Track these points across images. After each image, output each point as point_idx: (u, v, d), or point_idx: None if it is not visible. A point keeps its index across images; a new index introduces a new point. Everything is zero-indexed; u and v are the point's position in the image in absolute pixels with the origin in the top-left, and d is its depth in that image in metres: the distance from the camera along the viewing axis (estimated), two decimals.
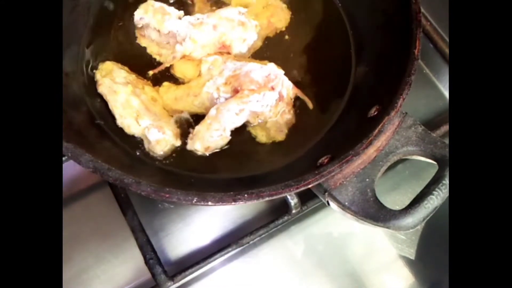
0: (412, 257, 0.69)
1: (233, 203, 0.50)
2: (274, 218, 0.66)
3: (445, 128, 0.71)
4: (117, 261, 0.65)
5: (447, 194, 0.54)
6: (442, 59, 0.80)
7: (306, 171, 0.53)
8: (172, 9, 0.69)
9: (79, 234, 0.65)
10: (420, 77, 0.81)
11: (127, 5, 0.72)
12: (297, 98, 0.68)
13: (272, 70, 0.65)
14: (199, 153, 0.63)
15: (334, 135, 0.65)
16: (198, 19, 0.69)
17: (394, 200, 0.70)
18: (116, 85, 0.63)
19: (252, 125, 0.66)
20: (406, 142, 0.58)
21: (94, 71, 0.66)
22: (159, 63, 0.69)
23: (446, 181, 0.54)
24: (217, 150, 0.63)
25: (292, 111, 0.67)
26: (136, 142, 0.63)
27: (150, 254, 0.60)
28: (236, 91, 0.64)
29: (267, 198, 0.51)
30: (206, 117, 0.63)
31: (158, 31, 0.68)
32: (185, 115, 0.66)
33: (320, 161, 0.59)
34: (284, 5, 0.75)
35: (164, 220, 0.67)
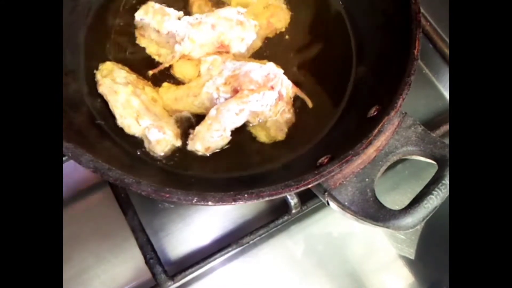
0: (412, 257, 0.69)
1: (233, 203, 0.50)
2: (274, 218, 0.66)
3: (445, 128, 0.71)
4: (117, 261, 0.65)
5: (447, 194, 0.54)
6: (441, 59, 0.80)
7: (306, 171, 0.53)
8: (171, 10, 0.69)
9: (79, 234, 0.65)
10: (419, 77, 0.81)
11: (127, 6, 0.72)
12: (296, 98, 0.68)
13: (271, 70, 0.65)
14: (200, 153, 0.63)
15: (334, 135, 0.66)
16: (197, 19, 0.69)
17: (394, 200, 0.71)
18: (116, 85, 0.63)
19: (252, 124, 0.66)
20: (405, 142, 0.58)
21: (95, 71, 0.66)
22: (159, 63, 0.69)
23: (446, 181, 0.54)
24: (217, 150, 0.63)
25: (292, 110, 0.67)
26: (136, 142, 0.63)
27: (150, 253, 0.60)
28: (235, 91, 0.64)
29: (267, 198, 0.51)
30: (206, 118, 0.63)
31: (158, 31, 0.68)
32: (187, 114, 0.66)
33: (320, 161, 0.59)
34: (284, 6, 0.75)
35: (164, 220, 0.67)
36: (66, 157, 0.55)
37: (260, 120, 0.65)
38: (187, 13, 0.71)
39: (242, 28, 0.69)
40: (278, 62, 0.67)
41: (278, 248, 0.68)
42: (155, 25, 0.68)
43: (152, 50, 0.70)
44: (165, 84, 0.67)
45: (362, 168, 0.56)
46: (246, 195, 0.50)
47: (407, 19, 0.62)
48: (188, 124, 0.65)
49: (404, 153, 0.58)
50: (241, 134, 0.65)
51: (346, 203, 0.55)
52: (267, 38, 0.73)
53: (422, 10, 0.63)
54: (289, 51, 0.72)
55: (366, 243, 0.70)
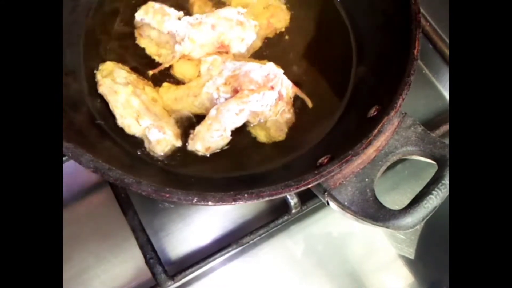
0: (412, 257, 0.69)
1: (233, 203, 0.50)
2: (274, 218, 0.66)
3: (444, 128, 0.71)
4: (117, 260, 0.65)
5: (447, 194, 0.54)
6: (441, 59, 0.81)
7: (306, 171, 0.53)
8: (172, 10, 0.69)
9: (79, 234, 0.66)
10: (419, 77, 0.81)
11: (127, 6, 0.72)
12: (296, 98, 0.68)
13: (271, 70, 0.65)
14: (200, 153, 0.63)
15: (334, 135, 0.66)
16: (197, 19, 0.69)
17: (394, 200, 0.71)
18: (116, 85, 0.63)
19: (252, 124, 0.66)
20: (405, 142, 0.58)
21: (95, 71, 0.66)
22: (159, 63, 0.69)
23: (446, 181, 0.54)
24: (218, 150, 0.63)
25: (292, 110, 0.67)
26: (136, 142, 0.63)
27: (151, 253, 0.60)
28: (235, 91, 0.64)
29: (267, 198, 0.51)
30: (206, 118, 0.63)
31: (158, 31, 0.68)
32: (188, 113, 0.66)
33: (320, 161, 0.59)
34: (284, 6, 0.75)
35: (164, 219, 0.68)
36: (66, 157, 0.55)
37: (260, 120, 0.65)
38: (187, 13, 0.71)
39: (242, 28, 0.69)
40: (278, 62, 0.67)
41: (278, 248, 0.68)
42: (155, 25, 0.68)
43: (152, 50, 0.70)
44: (165, 84, 0.67)
45: (362, 168, 0.56)
46: (246, 195, 0.50)
47: (407, 19, 0.62)
48: (189, 124, 0.65)
49: (404, 153, 0.58)
50: (241, 134, 0.65)
51: (346, 203, 0.55)
52: (267, 38, 0.73)
53: (422, 10, 0.63)
54: (289, 51, 0.72)
55: (366, 243, 0.70)
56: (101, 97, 0.64)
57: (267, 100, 0.63)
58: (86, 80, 0.66)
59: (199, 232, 0.68)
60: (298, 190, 0.52)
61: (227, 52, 0.69)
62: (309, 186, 0.53)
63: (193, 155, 0.63)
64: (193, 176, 0.62)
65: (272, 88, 0.64)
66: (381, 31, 0.69)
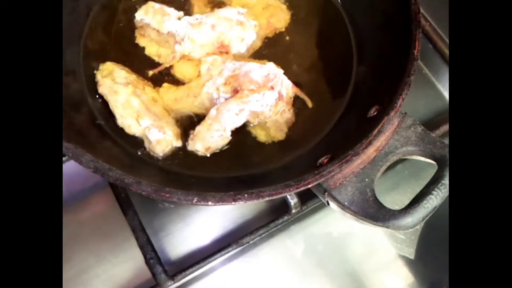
0: (412, 257, 0.69)
1: (233, 203, 0.50)
2: (274, 218, 0.66)
3: (444, 128, 0.71)
4: (117, 261, 0.65)
5: (447, 194, 0.54)
6: (441, 59, 0.81)
7: (306, 171, 0.53)
8: (172, 10, 0.69)
9: (79, 234, 0.66)
10: (419, 77, 0.81)
11: (127, 6, 0.72)
12: (296, 98, 0.68)
13: (271, 70, 0.65)
14: (200, 153, 0.63)
15: (334, 135, 0.66)
16: (197, 19, 0.69)
17: (394, 200, 0.71)
18: (116, 86, 0.63)
19: (252, 124, 0.66)
20: (405, 142, 0.58)
21: (95, 71, 0.66)
22: (159, 64, 0.69)
23: (446, 181, 0.54)
24: (218, 150, 0.63)
25: (292, 110, 0.67)
26: (136, 142, 0.63)
27: (151, 253, 0.60)
28: (235, 91, 0.64)
29: (267, 198, 0.51)
30: (206, 118, 0.63)
31: (158, 31, 0.68)
32: (188, 112, 0.66)
33: (320, 161, 0.59)
34: (284, 6, 0.75)
35: (164, 220, 0.68)
36: (67, 157, 0.55)
37: (260, 120, 0.65)
38: (187, 13, 0.71)
39: (242, 28, 0.69)
40: (278, 62, 0.67)
41: (278, 248, 0.68)
42: (155, 25, 0.68)
43: (152, 50, 0.70)
44: (165, 84, 0.67)
45: (362, 168, 0.56)
46: (246, 195, 0.50)
47: (407, 19, 0.62)
48: (189, 124, 0.65)
49: (404, 153, 0.58)
50: (241, 134, 0.65)
51: (346, 203, 0.55)
52: (267, 38, 0.73)
53: (422, 10, 0.63)
54: (289, 51, 0.72)
55: (366, 243, 0.70)
56: (101, 97, 0.64)
57: (267, 100, 0.63)
58: (86, 80, 0.66)
59: (199, 232, 0.68)
60: (298, 190, 0.52)
61: (227, 52, 0.70)
62: (309, 186, 0.53)
63: (193, 155, 0.63)
64: (193, 176, 0.62)
65: (272, 88, 0.64)
66: (381, 31, 0.69)
